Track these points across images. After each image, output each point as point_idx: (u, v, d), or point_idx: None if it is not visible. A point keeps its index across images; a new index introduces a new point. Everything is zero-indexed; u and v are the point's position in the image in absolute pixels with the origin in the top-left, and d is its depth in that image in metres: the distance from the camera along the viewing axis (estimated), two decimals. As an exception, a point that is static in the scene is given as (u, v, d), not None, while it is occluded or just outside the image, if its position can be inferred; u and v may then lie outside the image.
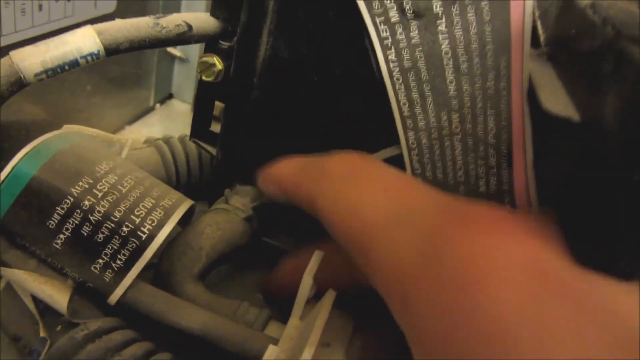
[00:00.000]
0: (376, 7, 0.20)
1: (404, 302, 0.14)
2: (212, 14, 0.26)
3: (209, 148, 0.29)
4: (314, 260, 0.21)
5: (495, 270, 0.12)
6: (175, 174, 0.30)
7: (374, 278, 0.15)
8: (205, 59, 0.26)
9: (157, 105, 0.46)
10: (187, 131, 0.31)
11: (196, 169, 0.31)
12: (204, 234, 0.25)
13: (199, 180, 0.31)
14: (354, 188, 0.17)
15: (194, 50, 0.45)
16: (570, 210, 0.14)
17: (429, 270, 0.13)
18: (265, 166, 0.24)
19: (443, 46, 0.19)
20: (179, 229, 0.25)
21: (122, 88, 0.42)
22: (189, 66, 0.46)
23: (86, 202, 0.21)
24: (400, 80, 0.20)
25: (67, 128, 0.29)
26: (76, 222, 0.20)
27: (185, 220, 0.25)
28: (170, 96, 0.47)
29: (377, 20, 0.20)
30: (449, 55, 0.19)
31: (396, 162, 0.22)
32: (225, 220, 0.25)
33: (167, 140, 0.32)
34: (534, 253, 0.12)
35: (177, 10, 0.44)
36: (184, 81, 0.47)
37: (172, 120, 0.45)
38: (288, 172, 0.22)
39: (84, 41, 0.22)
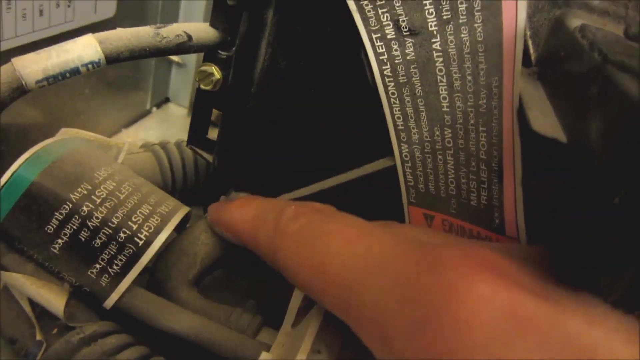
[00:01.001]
0: (373, 24, 0.20)
1: (384, 342, 0.14)
2: (212, 25, 0.26)
3: (206, 155, 0.30)
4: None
5: (469, 316, 0.12)
6: (171, 179, 0.31)
7: (351, 322, 0.16)
8: (203, 68, 0.26)
9: (154, 108, 0.46)
10: (183, 134, 0.32)
11: (192, 174, 0.32)
12: (199, 241, 0.25)
13: (194, 185, 0.32)
14: (314, 246, 0.17)
15: (191, 55, 0.45)
16: (554, 228, 0.15)
17: (407, 313, 0.13)
18: (216, 208, 0.24)
19: (437, 64, 0.20)
20: (175, 235, 0.25)
21: (120, 91, 0.42)
22: (186, 71, 0.46)
23: (84, 208, 0.21)
24: (395, 95, 0.21)
25: (65, 131, 0.29)
26: (74, 227, 0.21)
27: (181, 226, 0.25)
28: (166, 100, 0.47)
29: (374, 36, 0.21)
30: (443, 72, 0.20)
31: (390, 173, 0.23)
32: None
33: (163, 145, 0.32)
34: (506, 297, 0.12)
35: (176, 13, 0.44)
36: (181, 85, 0.47)
37: (169, 124, 0.45)
38: (242, 222, 0.22)
39: (85, 49, 0.22)
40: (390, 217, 0.22)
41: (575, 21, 0.20)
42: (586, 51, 0.17)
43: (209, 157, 0.29)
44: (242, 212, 0.22)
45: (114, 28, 0.29)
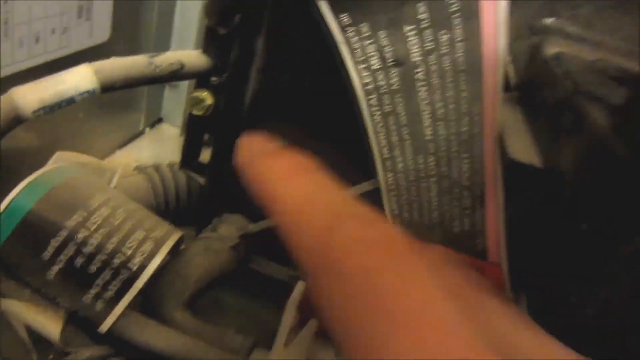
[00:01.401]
0: (359, 55, 0.21)
1: None
2: (204, 52, 0.27)
3: (198, 177, 0.30)
4: (298, 290, 0.22)
5: None
6: (164, 202, 0.31)
7: None
8: (196, 94, 0.27)
9: (147, 129, 0.47)
10: (177, 154, 0.32)
11: (185, 196, 0.32)
12: (192, 263, 0.25)
13: (187, 206, 0.32)
14: (377, 319, 0.12)
15: (185, 76, 0.46)
16: (526, 250, 0.16)
17: None
18: (250, 148, 0.18)
19: (420, 93, 0.21)
20: (169, 258, 0.26)
21: (113, 113, 0.43)
22: (179, 91, 0.47)
23: (80, 235, 0.21)
24: (381, 124, 0.22)
25: (60, 155, 0.30)
26: (70, 254, 0.21)
27: (175, 249, 0.26)
28: (159, 120, 0.48)
29: (360, 67, 0.21)
30: (426, 101, 0.21)
31: (372, 197, 0.23)
32: (213, 249, 0.26)
33: (157, 168, 0.33)
34: None
35: (169, 35, 0.45)
36: (174, 106, 0.48)
37: (162, 144, 0.46)
38: (282, 197, 0.16)
39: (81, 79, 0.23)
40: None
41: (551, 49, 0.21)
42: (560, 80, 0.18)
43: (202, 180, 0.30)
44: (288, 182, 0.16)
45: (109, 51, 0.29)
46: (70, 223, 0.22)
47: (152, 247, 0.23)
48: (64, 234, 0.21)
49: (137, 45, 0.42)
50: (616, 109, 0.14)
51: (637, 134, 0.12)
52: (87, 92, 0.23)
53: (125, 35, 0.40)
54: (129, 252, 0.22)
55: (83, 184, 0.24)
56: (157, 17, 0.43)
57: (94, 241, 0.22)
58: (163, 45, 0.45)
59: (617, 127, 0.13)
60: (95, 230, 0.22)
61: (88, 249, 0.22)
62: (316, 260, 0.14)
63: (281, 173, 0.16)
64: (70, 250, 0.21)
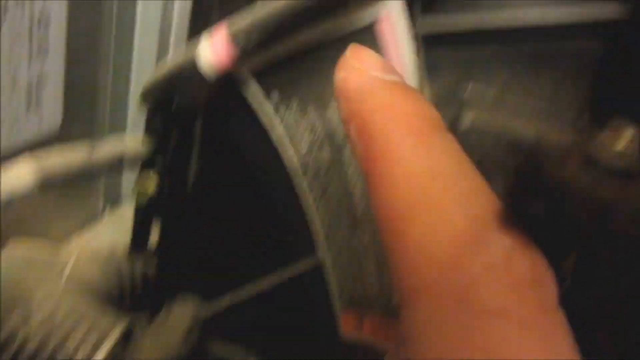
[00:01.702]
0: (292, 130, 0.22)
1: None
2: (146, 133, 0.28)
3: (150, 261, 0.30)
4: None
5: None
6: (118, 289, 0.31)
7: None
8: (140, 179, 0.28)
9: (107, 209, 0.47)
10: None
11: (141, 281, 0.32)
12: (144, 351, 0.25)
13: (142, 292, 0.32)
14: None
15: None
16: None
17: None
18: (356, 74, 0.12)
19: (350, 168, 0.22)
20: (120, 347, 0.25)
21: (71, 195, 0.43)
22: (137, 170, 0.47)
23: (21, 335, 0.21)
24: (319, 200, 0.22)
25: (13, 244, 0.30)
26: (11, 355, 0.21)
27: (125, 338, 0.26)
28: (119, 201, 0.48)
29: (294, 142, 0.22)
30: (356, 175, 0.21)
31: (315, 273, 0.24)
32: (166, 335, 0.26)
33: (112, 253, 0.33)
34: None
35: (125, 113, 0.46)
36: (133, 185, 0.48)
37: (122, 225, 0.46)
38: (405, 171, 0.11)
39: (18, 181, 0.23)
40: (324, 319, 0.23)
41: (468, 117, 0.22)
42: (473, 148, 0.19)
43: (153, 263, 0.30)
44: (413, 141, 0.11)
45: (62, 137, 0.29)
46: (10, 323, 0.21)
47: (96, 340, 0.22)
48: (4, 334, 0.21)
49: (91, 129, 0.42)
50: (511, 176, 0.15)
51: (525, 203, 0.12)
52: (25, 191, 0.23)
53: (79, 119, 0.40)
54: (71, 349, 0.22)
55: (26, 281, 0.23)
56: (111, 100, 0.44)
57: (35, 340, 0.21)
58: (118, 126, 0.45)
59: (511, 194, 0.13)
60: (37, 328, 0.22)
61: (30, 348, 0.21)
62: (436, 281, 0.10)
63: (403, 124, 0.11)
64: (11, 351, 0.21)
